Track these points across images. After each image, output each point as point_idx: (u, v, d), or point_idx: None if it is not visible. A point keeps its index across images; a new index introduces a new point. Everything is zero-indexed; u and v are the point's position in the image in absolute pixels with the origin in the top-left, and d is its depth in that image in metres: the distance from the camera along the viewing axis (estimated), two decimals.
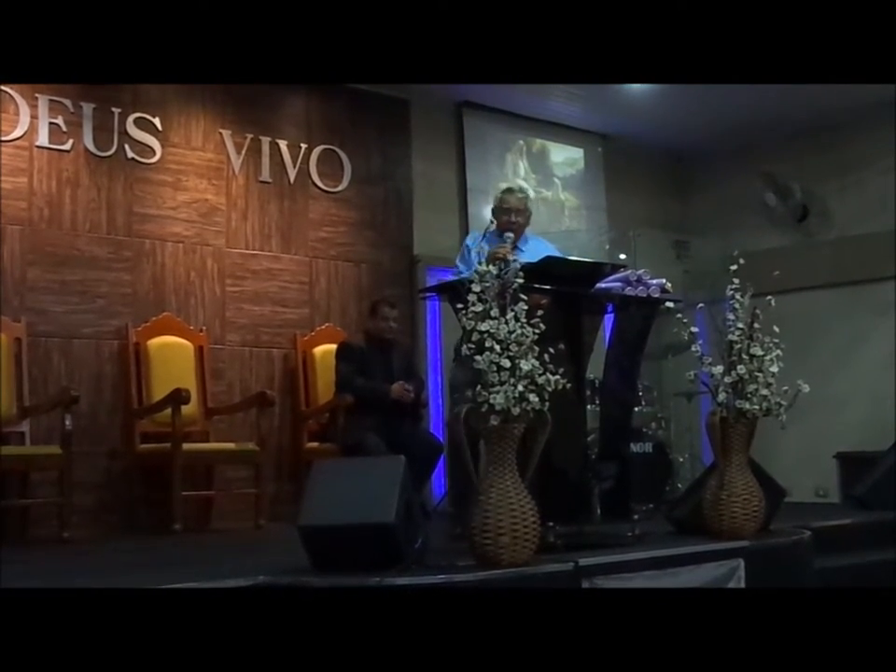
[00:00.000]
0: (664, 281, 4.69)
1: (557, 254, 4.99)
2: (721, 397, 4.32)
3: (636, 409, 6.17)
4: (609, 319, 4.91)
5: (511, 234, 4.66)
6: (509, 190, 5.34)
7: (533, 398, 3.51)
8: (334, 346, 6.44)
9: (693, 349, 4.42)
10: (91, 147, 6.11)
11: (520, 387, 3.48)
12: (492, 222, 5.03)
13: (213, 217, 6.55)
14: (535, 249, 4.92)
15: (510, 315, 3.57)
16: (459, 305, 3.64)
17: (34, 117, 5.92)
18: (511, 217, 5.14)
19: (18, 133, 5.86)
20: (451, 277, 4.86)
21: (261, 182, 6.78)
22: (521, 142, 8.16)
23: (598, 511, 4.41)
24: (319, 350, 6.73)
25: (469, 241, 5.13)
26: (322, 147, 7.06)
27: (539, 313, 3.65)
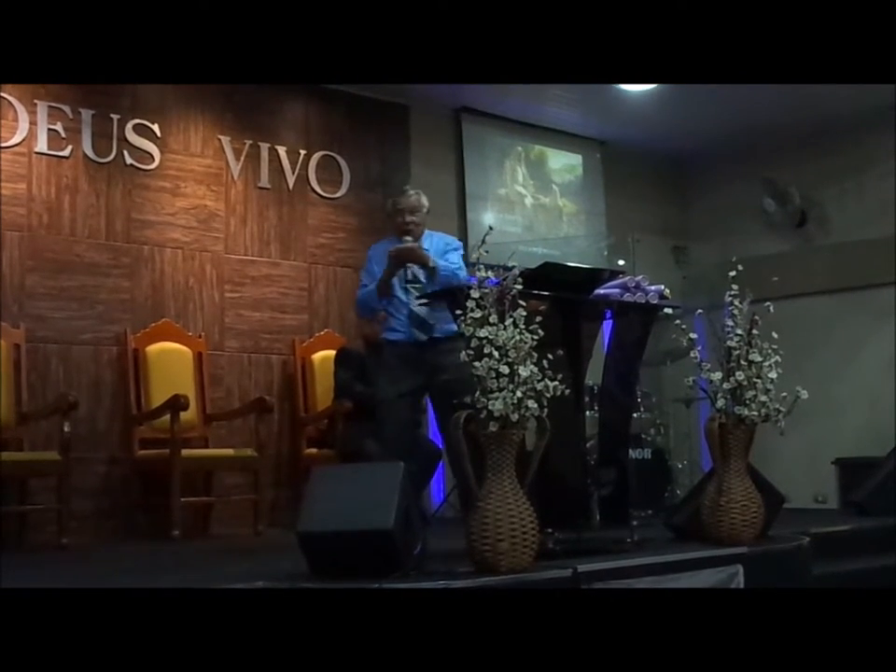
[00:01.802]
0: (662, 287, 4.69)
1: (456, 245, 5.02)
2: (720, 403, 4.32)
3: (634, 415, 6.17)
4: (607, 325, 4.91)
5: (409, 237, 4.78)
6: (401, 192, 5.19)
7: (532, 404, 3.51)
8: (333, 352, 6.45)
9: (692, 355, 4.41)
10: (90, 154, 6.11)
11: (519, 393, 3.48)
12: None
13: (212, 223, 6.55)
14: (436, 245, 4.92)
15: (508, 321, 3.57)
16: (458, 311, 3.65)
17: (32, 123, 5.92)
18: (406, 216, 4.94)
19: (17, 139, 5.87)
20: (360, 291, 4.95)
21: (260, 188, 6.78)
22: (519, 148, 8.17)
23: (597, 517, 4.40)
24: (318, 356, 6.73)
25: (370, 251, 5.06)
26: (321, 153, 7.06)
27: (538, 319, 3.65)
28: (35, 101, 5.93)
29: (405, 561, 3.39)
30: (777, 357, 4.35)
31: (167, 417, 5.72)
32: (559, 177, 8.42)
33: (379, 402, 4.79)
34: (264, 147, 6.80)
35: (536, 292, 4.08)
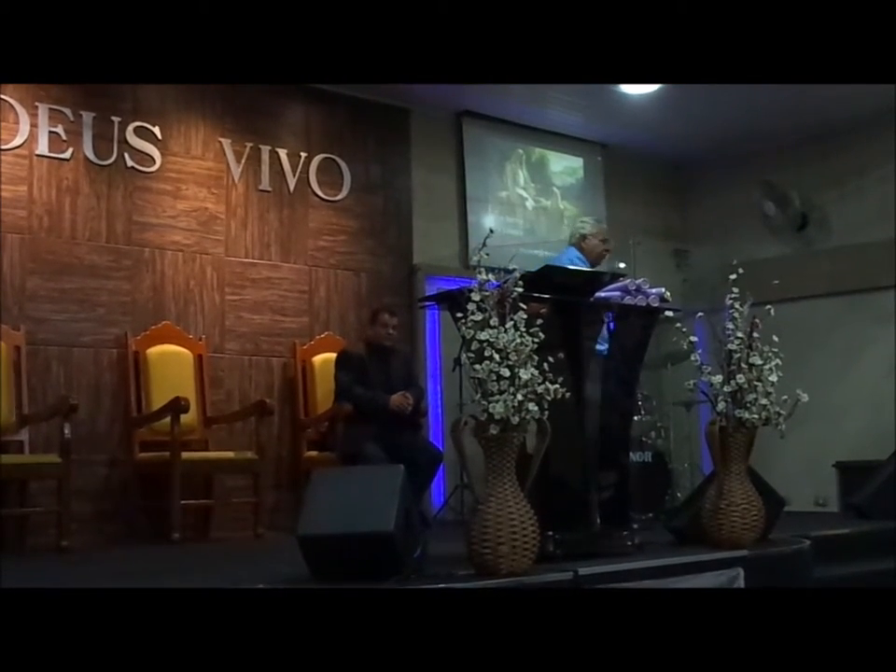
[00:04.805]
0: (663, 290, 4.68)
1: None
2: (721, 406, 4.33)
3: (635, 418, 6.16)
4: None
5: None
6: (599, 221, 6.00)
7: (532, 406, 3.51)
8: (333, 355, 6.44)
9: (693, 358, 4.42)
10: (91, 156, 6.11)
11: (519, 396, 3.48)
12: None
13: (212, 225, 6.55)
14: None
15: (509, 324, 3.57)
16: (459, 314, 3.65)
17: (33, 125, 5.92)
18: (608, 245, 5.80)
19: (18, 141, 5.87)
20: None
21: (261, 191, 6.78)
22: (520, 151, 8.17)
23: (598, 520, 4.39)
24: (318, 359, 6.72)
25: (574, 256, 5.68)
26: (322, 155, 7.06)
27: (539, 322, 3.65)
28: (36, 103, 5.93)
29: (405, 564, 3.39)
30: (778, 361, 4.35)
31: (167, 420, 5.72)
32: (560, 180, 8.42)
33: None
34: (265, 149, 6.81)
35: (536, 295, 4.08)
